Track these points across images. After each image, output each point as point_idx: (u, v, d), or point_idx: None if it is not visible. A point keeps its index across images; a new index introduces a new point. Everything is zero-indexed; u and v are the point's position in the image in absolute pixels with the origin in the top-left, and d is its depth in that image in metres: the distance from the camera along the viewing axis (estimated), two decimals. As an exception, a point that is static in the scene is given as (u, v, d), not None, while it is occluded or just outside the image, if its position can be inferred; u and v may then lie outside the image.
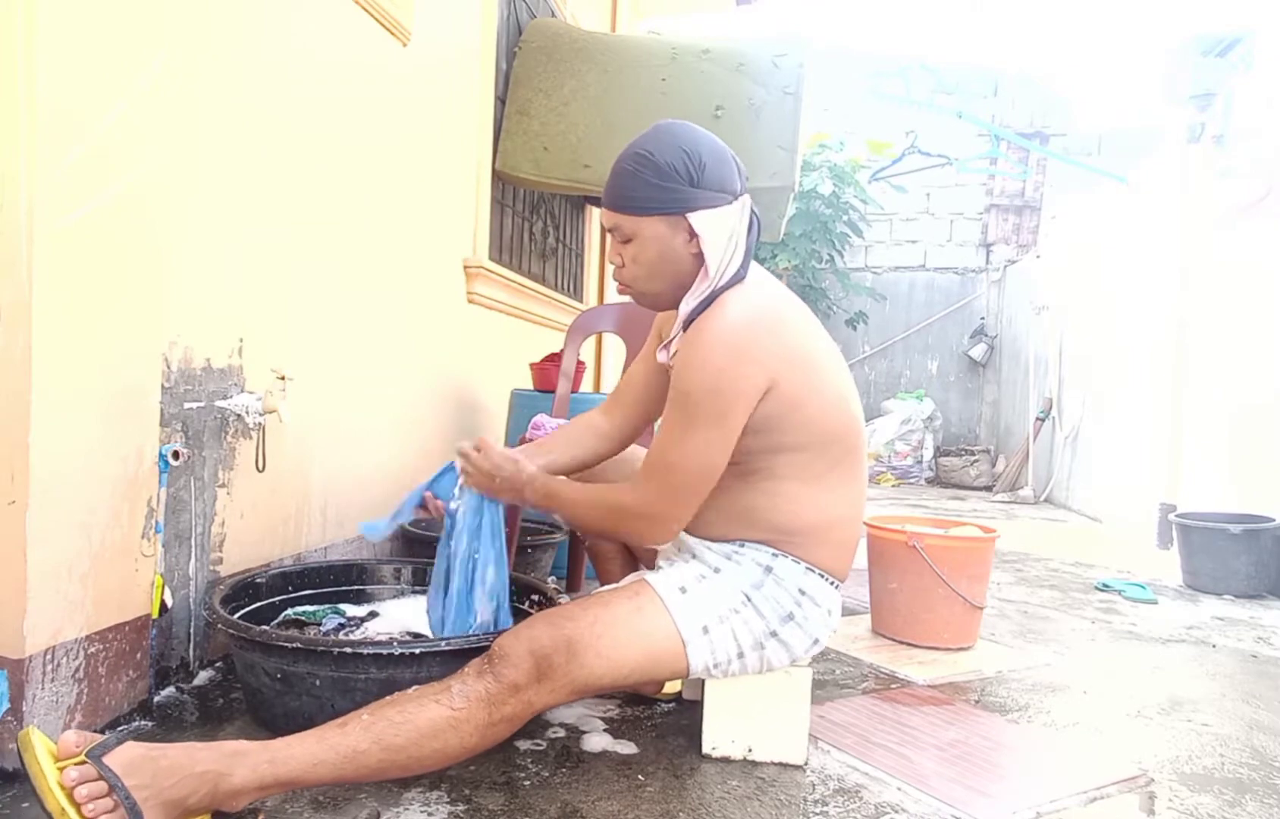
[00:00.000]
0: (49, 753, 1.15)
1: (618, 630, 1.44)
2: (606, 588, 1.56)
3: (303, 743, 1.25)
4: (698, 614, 1.49)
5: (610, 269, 1.63)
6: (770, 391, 1.44)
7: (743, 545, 1.55)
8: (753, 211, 1.53)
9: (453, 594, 1.61)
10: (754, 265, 1.55)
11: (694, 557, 1.58)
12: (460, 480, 1.64)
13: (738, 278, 1.49)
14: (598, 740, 1.65)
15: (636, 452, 1.85)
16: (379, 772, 1.29)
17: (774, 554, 1.53)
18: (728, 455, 1.45)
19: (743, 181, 1.51)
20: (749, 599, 1.52)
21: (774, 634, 1.53)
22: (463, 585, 1.61)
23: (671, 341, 1.58)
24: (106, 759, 1.15)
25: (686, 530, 1.62)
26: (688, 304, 1.51)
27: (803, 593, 1.53)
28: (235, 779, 1.20)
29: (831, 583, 1.57)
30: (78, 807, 1.12)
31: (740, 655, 1.53)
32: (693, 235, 1.46)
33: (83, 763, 1.14)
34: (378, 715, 1.29)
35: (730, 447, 1.45)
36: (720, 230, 1.46)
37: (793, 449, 1.50)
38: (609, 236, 1.56)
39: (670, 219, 1.46)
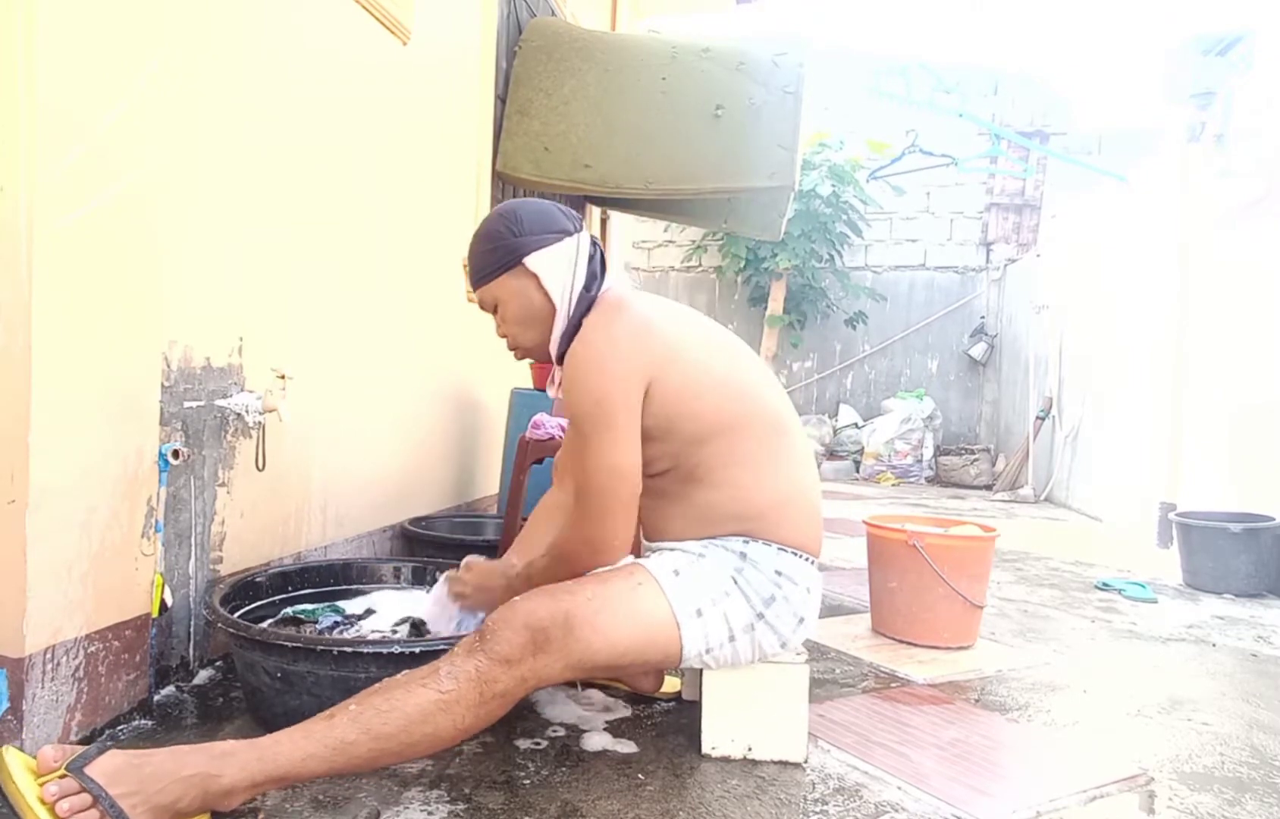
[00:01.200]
0: (27, 770, 1.14)
1: (615, 608, 1.45)
2: (602, 568, 1.56)
3: (290, 738, 1.25)
4: (691, 596, 1.51)
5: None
6: (652, 388, 1.50)
7: (715, 539, 1.58)
8: (594, 239, 1.64)
9: None
10: (618, 282, 1.64)
11: (674, 549, 1.61)
12: (459, 605, 1.74)
13: (588, 300, 1.58)
14: (598, 739, 1.65)
15: None
16: (371, 761, 1.28)
17: (745, 540, 1.57)
18: (632, 457, 1.49)
19: (575, 223, 1.63)
20: (735, 583, 1.55)
21: (760, 617, 1.55)
22: None
23: (557, 380, 1.67)
24: (88, 770, 1.13)
25: (661, 540, 1.64)
26: (554, 341, 1.61)
27: (779, 574, 1.56)
28: (225, 780, 1.19)
29: (806, 559, 1.60)
30: None
31: (732, 639, 1.54)
32: (535, 278, 1.58)
33: (63, 777, 1.13)
34: (365, 705, 1.28)
35: (630, 449, 1.48)
36: (555, 264, 1.58)
37: (710, 437, 1.54)
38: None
39: (512, 272, 1.59)
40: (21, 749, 1.26)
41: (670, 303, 1.66)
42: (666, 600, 1.49)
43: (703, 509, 1.58)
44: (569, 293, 1.58)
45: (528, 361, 3.27)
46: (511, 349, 1.69)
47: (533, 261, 1.57)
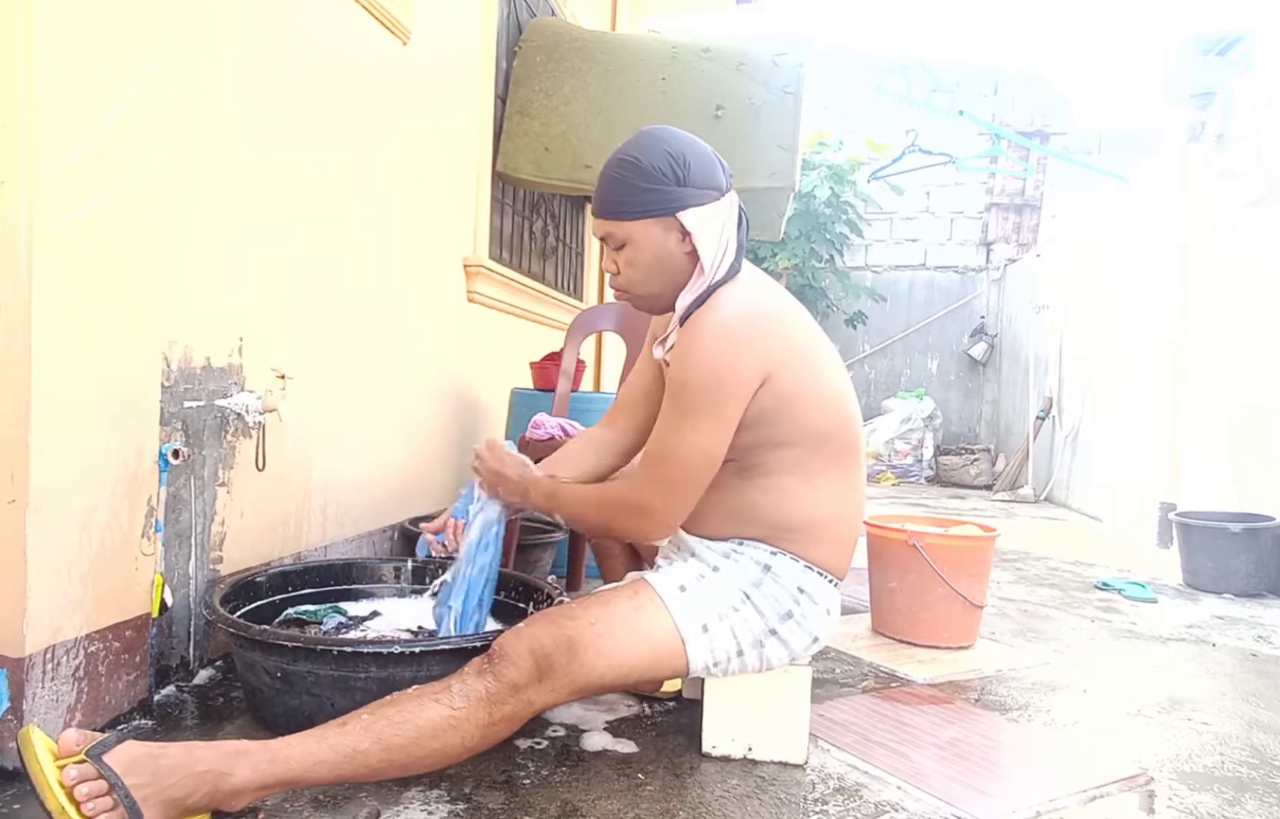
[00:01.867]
0: (49, 751, 1.15)
1: (618, 629, 1.44)
2: (606, 587, 1.56)
3: (303, 743, 1.25)
4: (697, 612, 1.49)
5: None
6: (766, 384, 1.45)
7: (742, 544, 1.55)
8: (740, 207, 1.55)
9: (469, 606, 1.66)
10: (747, 263, 1.57)
11: (693, 555, 1.59)
12: (476, 482, 1.69)
13: (732, 272, 1.51)
14: (598, 739, 1.65)
15: None
16: (379, 771, 1.29)
17: (772, 552, 1.53)
18: (724, 448, 1.46)
19: (728, 178, 1.52)
20: (748, 597, 1.52)
21: (773, 632, 1.53)
22: (482, 597, 1.68)
23: (668, 337, 1.59)
24: (107, 758, 1.15)
25: (685, 529, 1.63)
26: (684, 300, 1.51)
27: (801, 591, 1.53)
28: (236, 779, 1.20)
29: (830, 581, 1.57)
30: (77, 805, 1.12)
31: (740, 653, 1.53)
32: (685, 234, 1.47)
33: (83, 761, 1.14)
34: (378, 715, 1.29)
35: (727, 439, 1.45)
36: (712, 226, 1.47)
37: (789, 444, 1.50)
38: (603, 245, 1.56)
39: (662, 220, 1.47)
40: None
41: (787, 293, 1.60)
42: (671, 618, 1.48)
43: (743, 506, 1.54)
44: (718, 258, 1.48)
45: (528, 363, 3.27)
46: (618, 287, 1.56)
47: (689, 217, 1.45)
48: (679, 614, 1.48)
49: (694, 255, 1.49)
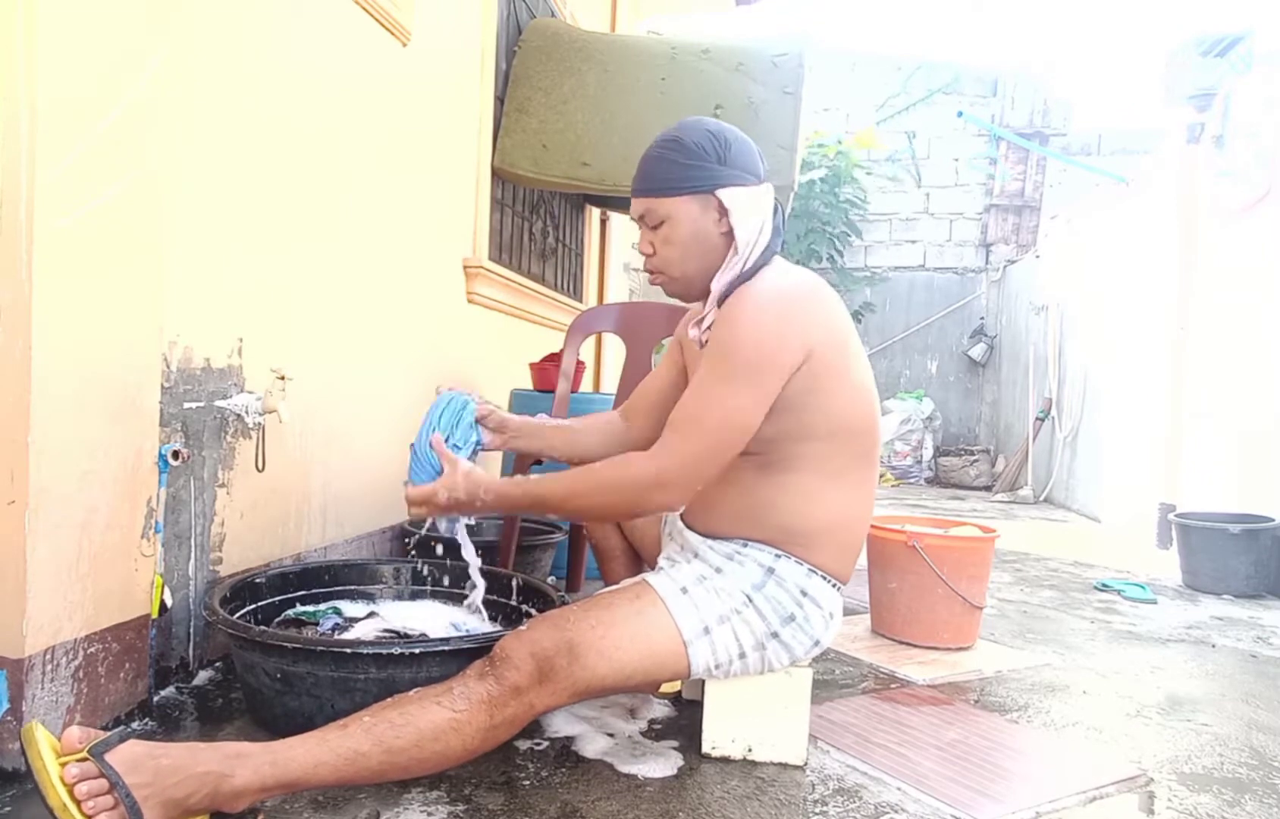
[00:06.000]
0: (52, 748, 1.16)
1: (619, 632, 1.43)
2: (608, 590, 1.55)
3: (304, 744, 1.26)
4: (699, 615, 1.49)
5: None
6: (806, 362, 1.44)
7: (746, 545, 1.55)
8: (778, 202, 1.57)
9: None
10: (781, 259, 1.59)
11: (696, 555, 1.58)
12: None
13: (768, 256, 1.52)
14: (597, 741, 1.65)
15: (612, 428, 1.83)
16: (380, 773, 1.29)
17: (776, 555, 1.53)
18: (757, 421, 1.43)
19: (765, 170, 1.55)
20: (750, 600, 1.52)
21: (775, 635, 1.53)
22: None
23: (704, 318, 1.58)
24: (108, 756, 1.15)
25: (691, 525, 1.63)
26: (721, 279, 1.53)
27: (804, 594, 1.53)
28: (237, 780, 1.20)
29: (833, 585, 1.57)
30: (78, 803, 1.13)
31: (741, 656, 1.53)
32: (722, 213, 1.49)
33: (85, 760, 1.15)
34: (379, 718, 1.29)
35: (761, 412, 1.43)
36: (749, 207, 1.50)
37: (816, 437, 1.49)
38: (639, 227, 1.58)
39: (700, 197, 1.49)
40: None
41: (827, 285, 1.58)
42: (673, 621, 1.48)
43: (756, 505, 1.53)
44: (753, 240, 1.50)
45: (528, 364, 3.27)
46: (654, 271, 1.57)
47: (728, 195, 1.48)
48: (681, 617, 1.48)
49: (730, 236, 1.51)
